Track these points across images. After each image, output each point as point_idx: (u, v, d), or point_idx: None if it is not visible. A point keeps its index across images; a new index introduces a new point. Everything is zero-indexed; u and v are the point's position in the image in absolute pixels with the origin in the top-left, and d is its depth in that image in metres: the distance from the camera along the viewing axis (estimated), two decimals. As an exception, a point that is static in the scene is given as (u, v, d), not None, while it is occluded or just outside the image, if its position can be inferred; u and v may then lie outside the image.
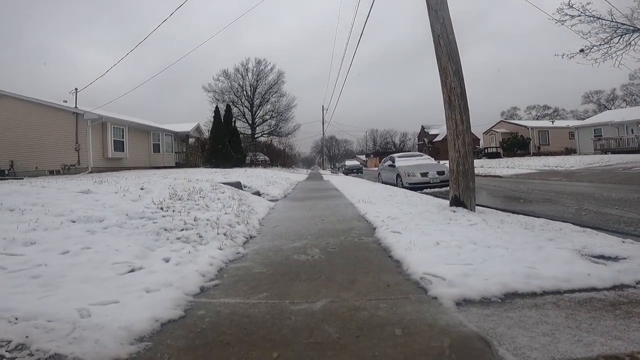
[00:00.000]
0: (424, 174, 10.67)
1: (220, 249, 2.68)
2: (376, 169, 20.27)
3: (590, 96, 50.07)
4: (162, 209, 3.47)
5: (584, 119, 36.59)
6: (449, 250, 2.50)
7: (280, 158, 34.66)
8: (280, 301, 1.78)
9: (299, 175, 22.07)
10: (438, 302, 1.68)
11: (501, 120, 40.07)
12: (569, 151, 30.92)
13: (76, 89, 15.46)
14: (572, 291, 1.76)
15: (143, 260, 2.17)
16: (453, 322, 1.45)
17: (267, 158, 32.83)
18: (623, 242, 2.85)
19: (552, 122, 37.37)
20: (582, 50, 11.08)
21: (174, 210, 3.49)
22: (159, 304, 1.60)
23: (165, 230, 2.89)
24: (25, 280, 1.79)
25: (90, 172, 14.48)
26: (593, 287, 1.81)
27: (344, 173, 32.11)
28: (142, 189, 4.13)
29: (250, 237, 3.53)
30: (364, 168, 39.27)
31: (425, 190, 10.56)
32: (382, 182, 13.30)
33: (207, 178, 9.04)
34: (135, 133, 18.40)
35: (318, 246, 3.10)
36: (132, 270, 1.98)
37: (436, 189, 10.75)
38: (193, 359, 1.27)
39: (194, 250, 2.55)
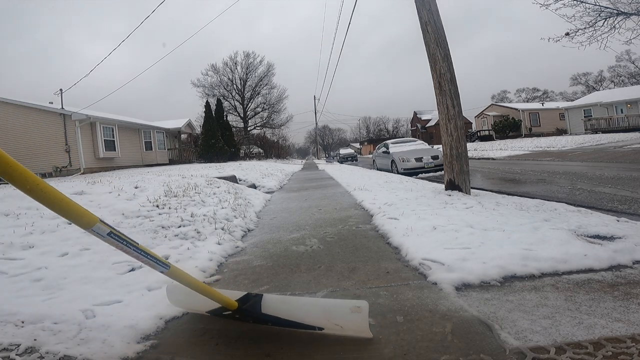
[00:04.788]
0: (419, 159, 10.75)
1: (219, 244, 2.68)
2: (370, 156, 20.38)
3: (578, 78, 50.57)
4: (157, 206, 3.44)
5: (573, 100, 37.25)
6: (447, 234, 2.53)
7: (275, 150, 34.64)
8: (281, 293, 1.79)
9: (294, 166, 22.02)
10: (438, 287, 1.70)
11: (492, 104, 40.86)
12: (560, 132, 31.48)
13: (61, 89, 15.51)
14: (570, 272, 1.79)
15: None
16: (454, 307, 1.47)
17: (262, 150, 32.82)
18: (618, 220, 2.90)
19: (542, 104, 38.01)
20: (567, 34, 11.14)
21: (169, 208, 3.46)
22: (161, 301, 1.60)
23: (163, 227, 2.87)
24: (27, 283, 1.79)
25: (83, 173, 14.44)
26: (590, 267, 1.84)
27: (338, 162, 32.20)
28: (136, 188, 4.09)
29: (248, 230, 3.54)
30: (358, 156, 39.55)
31: (420, 175, 10.66)
32: (377, 169, 13.40)
33: (202, 173, 8.98)
34: (126, 132, 18.33)
35: (316, 236, 3.12)
36: (132, 270, 1.97)
37: (431, 174, 10.84)
38: (199, 355, 1.28)
39: (193, 246, 2.55)
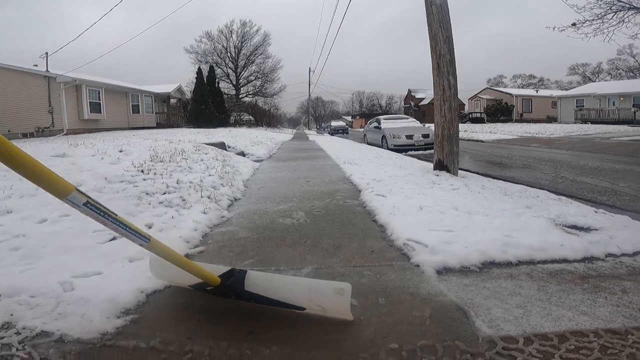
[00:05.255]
0: (409, 137, 10.79)
1: (205, 213, 2.64)
2: (362, 130, 20.43)
3: (576, 68, 50.66)
4: (142, 171, 3.33)
5: (568, 90, 37.78)
6: (432, 215, 2.57)
7: (266, 118, 34.28)
8: (265, 268, 1.79)
9: (284, 135, 21.68)
10: (420, 270, 1.74)
11: (487, 87, 41.53)
12: (550, 119, 32.18)
13: (46, 53, 15.59)
14: (545, 262, 1.85)
15: None
16: (434, 292, 1.51)
17: (252, 118, 32.45)
18: (596, 212, 2.99)
19: (537, 91, 38.53)
20: (574, 24, 11.00)
21: (155, 173, 3.36)
22: (143, 274, 1.57)
23: (147, 194, 2.80)
24: (5, 252, 1.72)
25: (66, 134, 14.34)
26: (565, 258, 1.90)
27: (329, 133, 32.13)
28: (121, 152, 3.94)
29: (235, 199, 3.50)
30: (349, 129, 39.46)
31: (409, 153, 10.75)
32: (368, 143, 13.47)
33: (190, 139, 8.73)
34: (113, 95, 18.25)
35: (303, 209, 3.12)
36: (114, 239, 1.92)
37: (420, 152, 10.95)
38: (181, 330, 1.28)
39: (178, 214, 2.50)
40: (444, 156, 4.73)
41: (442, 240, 2.03)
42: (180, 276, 1.42)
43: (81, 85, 15.66)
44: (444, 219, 2.45)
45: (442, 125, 4.64)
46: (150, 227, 2.21)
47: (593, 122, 25.26)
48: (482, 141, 16.09)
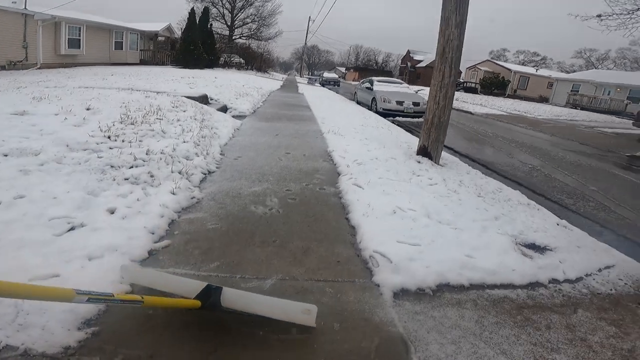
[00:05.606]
0: (400, 102, 10.67)
1: (174, 194, 2.55)
2: (354, 83, 19.98)
3: (583, 52, 49.53)
4: (109, 137, 3.11)
5: (568, 73, 37.49)
6: (404, 222, 2.61)
7: (257, 62, 32.50)
8: (231, 276, 1.82)
9: (273, 82, 20.66)
10: (379, 291, 1.81)
11: (487, 60, 41.74)
12: (542, 99, 32.49)
13: None
14: (494, 286, 1.96)
15: (85, 213, 2.02)
16: (386, 320, 1.60)
17: (242, 60, 30.79)
18: (557, 224, 3.14)
19: (536, 70, 38.37)
20: (599, 16, 10.54)
21: (123, 140, 3.14)
22: (103, 276, 1.56)
23: (112, 167, 2.64)
24: None
25: (40, 68, 13.97)
26: (512, 283, 2.01)
27: (320, 84, 31.08)
28: (88, 109, 3.62)
29: (209, 172, 3.40)
30: (341, 81, 38.24)
31: (397, 118, 10.66)
32: (357, 102, 13.40)
33: (171, 88, 8.13)
34: (95, 31, 17.77)
35: (278, 194, 3.09)
36: (72, 229, 1.85)
37: (408, 119, 10.86)
38: (145, 346, 1.31)
39: (144, 195, 2.40)
40: (429, 143, 4.70)
41: (406, 257, 2.09)
42: (159, 283, 1.56)
43: (61, 22, 15.36)
44: (414, 229, 2.50)
45: (433, 112, 4.52)
46: (112, 213, 2.12)
47: (583, 109, 25.56)
48: (471, 113, 16.01)
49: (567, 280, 2.16)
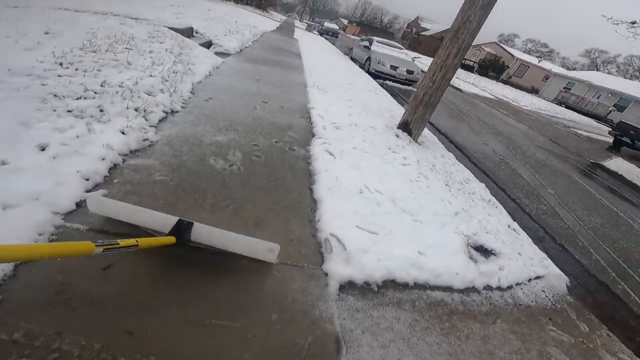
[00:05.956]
0: (394, 67, 10.20)
1: (123, 134, 2.24)
2: (353, 37, 18.85)
3: (592, 52, 49.12)
4: (61, 64, 2.58)
5: (569, 70, 37.82)
6: (368, 205, 2.53)
7: (257, -1, 29.19)
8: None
9: (270, 22, 18.64)
10: (326, 281, 1.76)
11: (494, 42, 41.34)
12: (533, 90, 33.14)
13: None
14: (435, 288, 1.99)
15: (11, 147, 1.67)
16: (326, 315, 1.57)
17: None
18: (509, 226, 3.25)
19: (539, 61, 38.13)
20: (633, 23, 10.08)
21: (77, 69, 2.64)
22: (12, 232, 1.33)
23: (55, 96, 2.21)
24: None
25: None
26: (451, 286, 2.05)
27: (318, 32, 29.09)
28: (47, 33, 2.93)
29: (172, 112, 3.03)
30: (341, 33, 35.84)
31: (388, 82, 10.28)
32: (351, 58, 12.88)
33: (156, 16, 6.91)
34: None
35: (244, 148, 2.86)
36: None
37: (398, 85, 10.52)
38: (51, 323, 1.17)
39: (87, 132, 2.06)
40: (413, 120, 4.52)
41: (361, 246, 2.04)
42: (126, 215, 1.58)
43: None
44: (376, 214, 2.44)
45: (426, 89, 4.27)
46: (43, 150, 1.79)
47: (568, 107, 26.21)
48: (460, 90, 15.78)
49: (499, 288, 2.25)
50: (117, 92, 2.61)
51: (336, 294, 1.71)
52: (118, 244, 1.17)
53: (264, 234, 1.94)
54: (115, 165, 2.04)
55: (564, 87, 29.86)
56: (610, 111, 25.41)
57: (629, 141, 11.38)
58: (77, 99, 2.36)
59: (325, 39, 23.45)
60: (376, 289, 1.84)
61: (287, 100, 4.58)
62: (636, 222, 4.93)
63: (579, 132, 14.34)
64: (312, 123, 4.03)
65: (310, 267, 1.82)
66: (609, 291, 2.93)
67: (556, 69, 36.97)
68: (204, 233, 1.57)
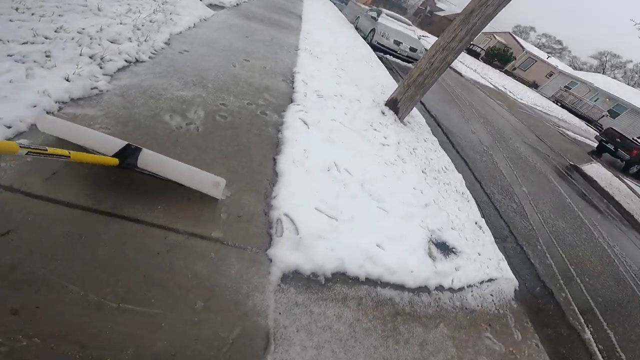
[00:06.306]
0: (397, 42, 9.73)
1: (68, 80, 1.91)
2: (363, 6, 17.79)
3: (604, 54, 48.46)
4: (17, 9, 2.21)
5: (575, 69, 37.81)
6: (334, 185, 2.36)
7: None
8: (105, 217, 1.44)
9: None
10: (268, 268, 1.61)
11: (508, 32, 40.57)
12: (533, 85, 33.13)
13: None
14: (386, 285, 1.88)
15: None
16: (260, 308, 1.43)
17: None
18: (476, 223, 3.18)
19: (548, 57, 37.67)
20: None
21: (33, 13, 2.29)
22: None
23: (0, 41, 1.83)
24: None
25: None
26: (404, 284, 1.94)
27: None
28: None
29: (137, 61, 2.65)
30: (352, 1, 33.75)
31: (388, 57, 9.84)
32: (356, 28, 12.24)
33: None
34: None
35: (209, 107, 2.57)
36: None
37: (399, 61, 10.10)
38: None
39: (24, 77, 1.74)
40: (402, 99, 4.27)
41: (316, 232, 1.89)
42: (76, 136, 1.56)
43: None
44: (340, 197, 2.27)
45: (422, 70, 3.97)
46: None
47: (563, 106, 26.24)
48: (460, 74, 15.36)
49: (450, 289, 2.17)
50: (72, 39, 2.30)
51: (277, 285, 1.56)
52: (46, 150, 1.14)
53: (212, 203, 1.75)
54: (48, 113, 1.74)
55: (565, 86, 29.77)
56: (603, 116, 25.64)
57: (612, 148, 11.54)
58: (23, 43, 2.05)
59: (334, 3, 22.19)
60: (323, 282, 1.71)
61: (272, 61, 4.19)
62: (597, 229, 5.04)
63: (567, 132, 14.43)
64: (293, 88, 3.72)
65: (254, 250, 1.66)
66: (552, 298, 2.92)
67: (562, 67, 36.77)
68: (151, 160, 1.56)
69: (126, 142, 1.56)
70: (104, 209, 1.44)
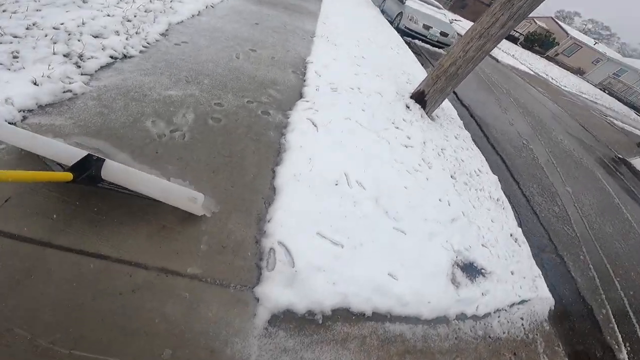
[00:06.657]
0: (427, 27, 9.05)
1: (36, 84, 1.73)
2: None
3: None
4: None
5: (625, 56, 34.82)
6: (341, 203, 2.02)
7: None
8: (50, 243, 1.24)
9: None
10: (253, 310, 1.36)
11: (550, 17, 38.36)
12: (578, 72, 30.73)
13: None
14: (397, 319, 1.60)
15: None
16: (239, 357, 1.19)
17: None
18: (511, 235, 2.76)
19: (595, 43, 34.57)
20: None
21: (4, 10, 2.11)
22: None
23: None
24: None
25: None
26: (418, 316, 1.67)
27: None
28: None
29: (125, 57, 2.44)
30: None
31: (416, 42, 9.20)
32: (382, 11, 11.44)
33: None
34: None
35: (201, 108, 2.31)
36: None
37: (429, 46, 9.41)
38: None
39: None
40: (431, 91, 3.81)
41: (316, 263, 1.60)
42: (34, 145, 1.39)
43: None
44: (348, 218, 1.95)
45: (454, 59, 3.49)
46: None
47: (611, 94, 24.29)
48: (497, 60, 14.21)
49: (473, 317, 1.87)
50: (46, 36, 2.09)
51: (263, 328, 1.32)
52: None
53: (192, 230, 1.51)
54: (9, 123, 1.56)
55: (614, 73, 27.43)
56: (655, 104, 23.31)
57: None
58: (-9, 43, 1.83)
59: None
60: (321, 321, 1.44)
61: (282, 50, 3.87)
62: (650, 235, 4.35)
63: (615, 121, 12.98)
64: (304, 80, 3.39)
65: (238, 287, 1.41)
66: (591, 316, 2.52)
67: (611, 53, 33.68)
68: (116, 172, 1.38)
69: (86, 153, 1.37)
70: (60, 243, 1.24)
